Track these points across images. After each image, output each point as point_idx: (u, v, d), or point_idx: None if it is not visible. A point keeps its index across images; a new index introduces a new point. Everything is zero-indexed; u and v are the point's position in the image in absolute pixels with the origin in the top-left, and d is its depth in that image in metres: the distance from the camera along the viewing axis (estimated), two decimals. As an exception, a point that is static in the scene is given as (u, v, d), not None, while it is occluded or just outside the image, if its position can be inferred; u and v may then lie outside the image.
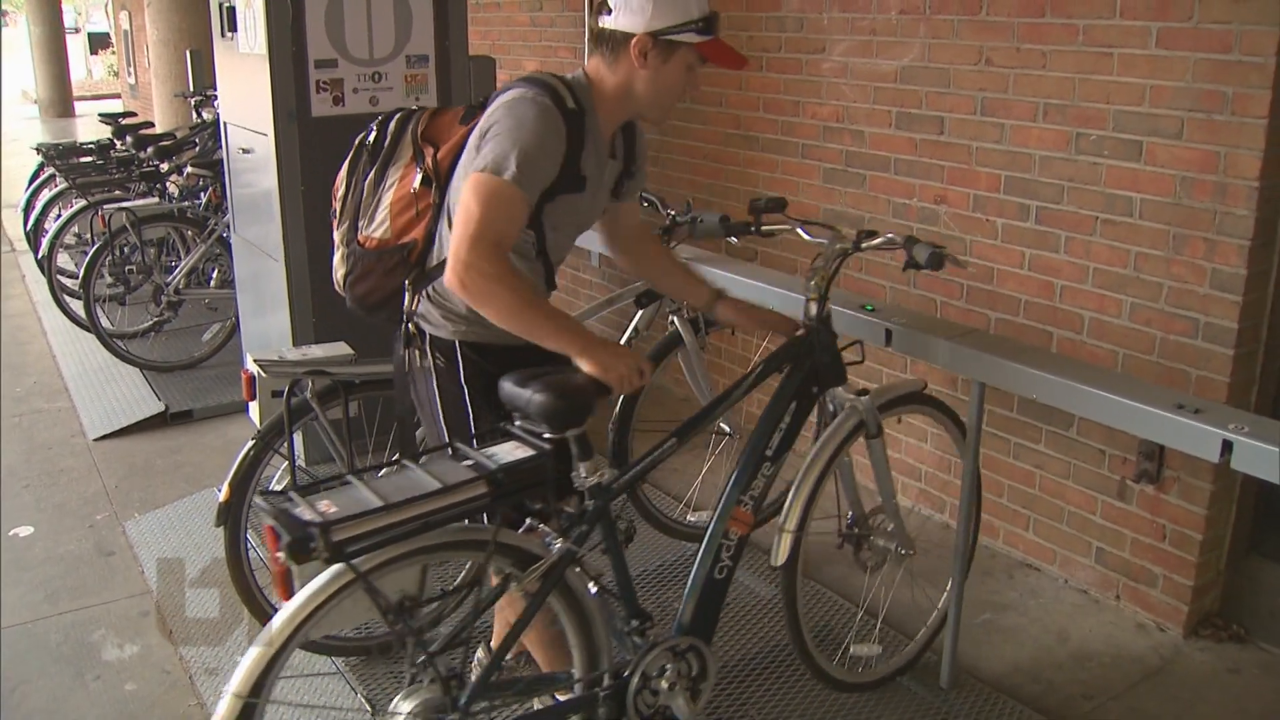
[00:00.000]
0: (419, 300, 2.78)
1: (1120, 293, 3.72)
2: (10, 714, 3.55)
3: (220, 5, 5.05)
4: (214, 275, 6.65)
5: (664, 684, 2.70)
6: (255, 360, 3.27)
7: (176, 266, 6.54)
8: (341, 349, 3.38)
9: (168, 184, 7.37)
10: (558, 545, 2.49)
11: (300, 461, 3.83)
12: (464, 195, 2.47)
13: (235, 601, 3.50)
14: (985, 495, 4.22)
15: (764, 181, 5.04)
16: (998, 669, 3.65)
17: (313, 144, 4.58)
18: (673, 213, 3.96)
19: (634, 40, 2.57)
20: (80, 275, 6.38)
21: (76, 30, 36.42)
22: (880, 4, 4.37)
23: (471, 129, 2.63)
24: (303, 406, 3.23)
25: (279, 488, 3.27)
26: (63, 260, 7.45)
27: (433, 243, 2.74)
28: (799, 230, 3.14)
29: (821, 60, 4.67)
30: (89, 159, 8.13)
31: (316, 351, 3.38)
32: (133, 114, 10.28)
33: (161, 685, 3.63)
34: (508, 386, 2.50)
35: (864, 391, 3.13)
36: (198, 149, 7.58)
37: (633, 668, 2.65)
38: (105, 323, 6.38)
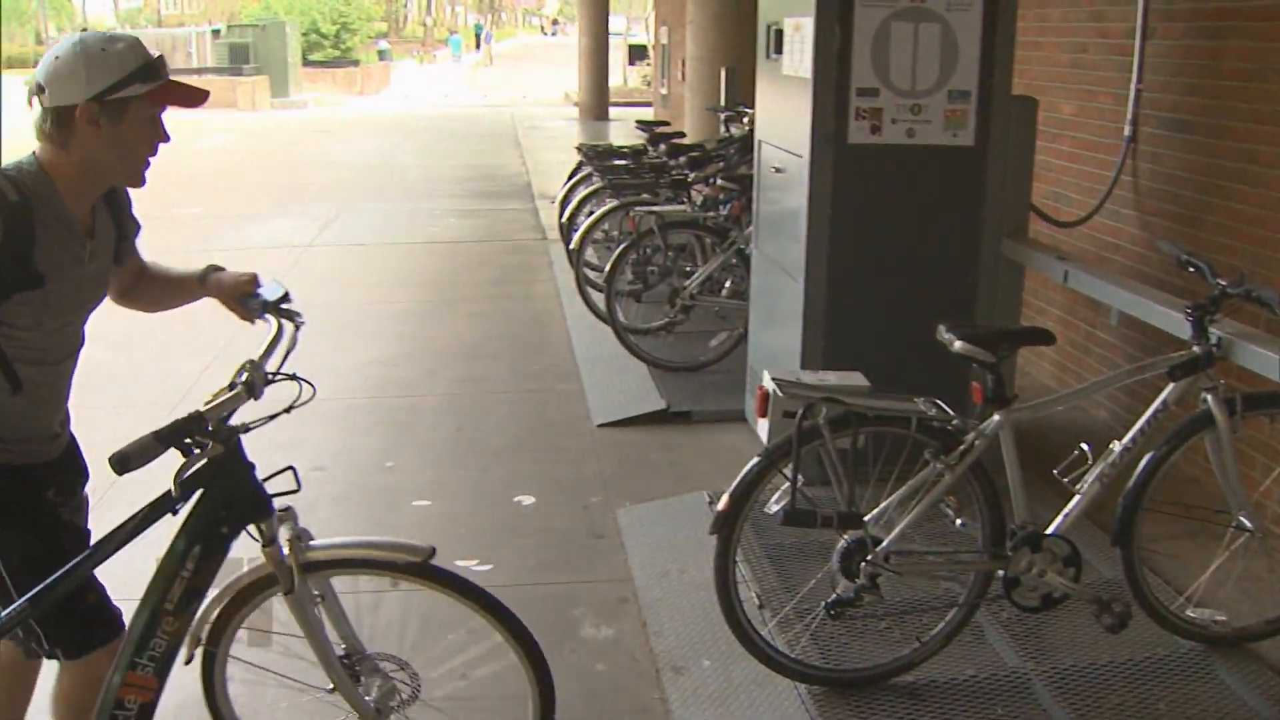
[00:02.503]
0: None
1: None
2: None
3: (768, 27, 5.19)
4: (727, 285, 6.85)
5: None
6: (773, 379, 3.30)
7: (693, 272, 6.81)
8: (857, 379, 3.37)
9: (692, 192, 7.69)
10: None
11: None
12: None
13: (713, 609, 3.56)
14: None
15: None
16: None
17: (846, 170, 4.61)
18: (1222, 283, 3.63)
19: (78, 111, 2.39)
20: (606, 270, 6.79)
21: (620, 35, 39.01)
22: None
23: None
24: (812, 431, 3.23)
25: (776, 508, 3.30)
26: (589, 254, 7.94)
27: None
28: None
29: None
30: (623, 162, 8.60)
31: (832, 378, 3.39)
32: (666, 123, 10.81)
33: (630, 672, 3.77)
34: None
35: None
36: (723, 163, 7.86)
37: None
38: (621, 317, 6.71)
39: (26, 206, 2.41)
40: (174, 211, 13.25)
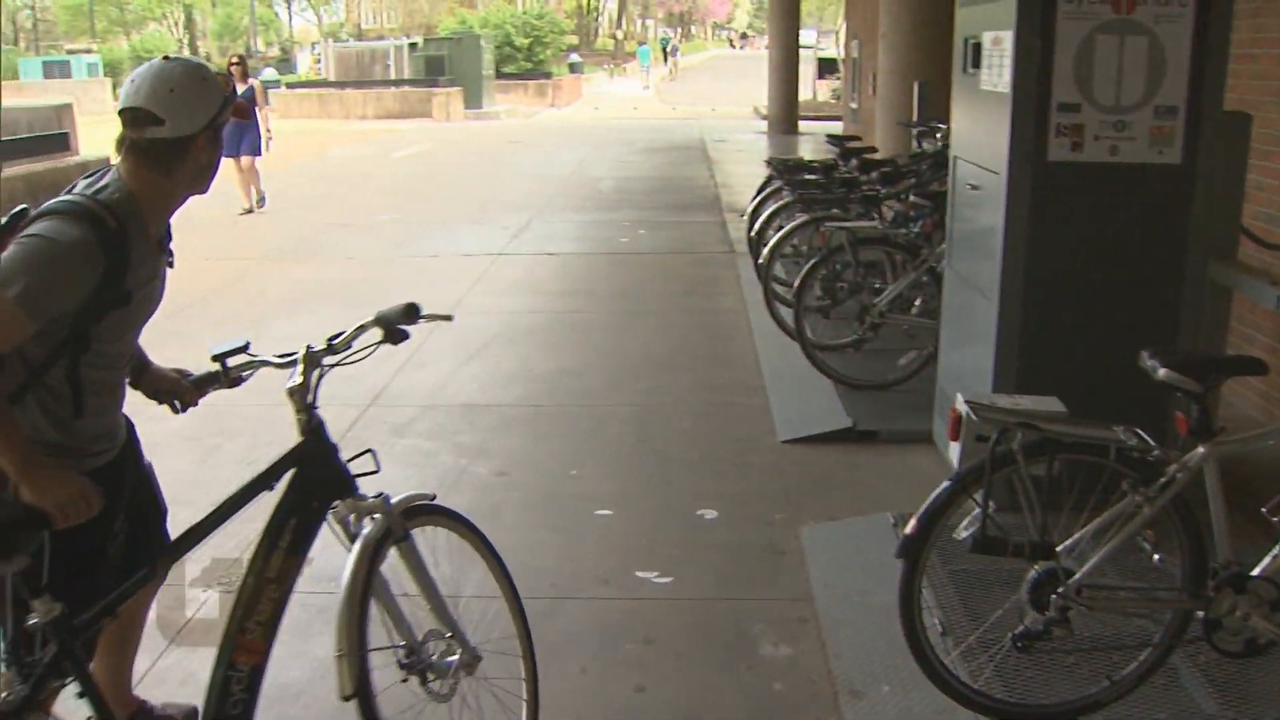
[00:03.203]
0: None
1: None
2: (665, 679, 3.84)
3: (965, 41, 5.09)
4: (917, 303, 6.74)
5: None
6: (967, 402, 3.24)
7: (883, 288, 6.72)
8: (1054, 404, 3.27)
9: (883, 208, 7.61)
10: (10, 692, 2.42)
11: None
12: None
13: (895, 633, 3.51)
14: None
15: None
16: None
17: (1044, 188, 4.48)
18: None
19: (199, 139, 2.64)
20: (795, 285, 6.74)
21: (810, 48, 38.87)
22: None
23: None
24: (1006, 456, 3.16)
25: (965, 534, 3.23)
26: (778, 268, 7.93)
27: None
28: (269, 362, 2.97)
29: None
30: (813, 176, 8.54)
31: (1027, 403, 3.30)
32: (857, 138, 10.70)
33: (806, 694, 3.74)
34: None
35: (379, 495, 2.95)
36: (915, 179, 7.75)
37: None
38: (809, 332, 6.66)
39: (123, 232, 2.59)
40: (371, 218, 13.75)
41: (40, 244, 2.49)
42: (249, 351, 3.00)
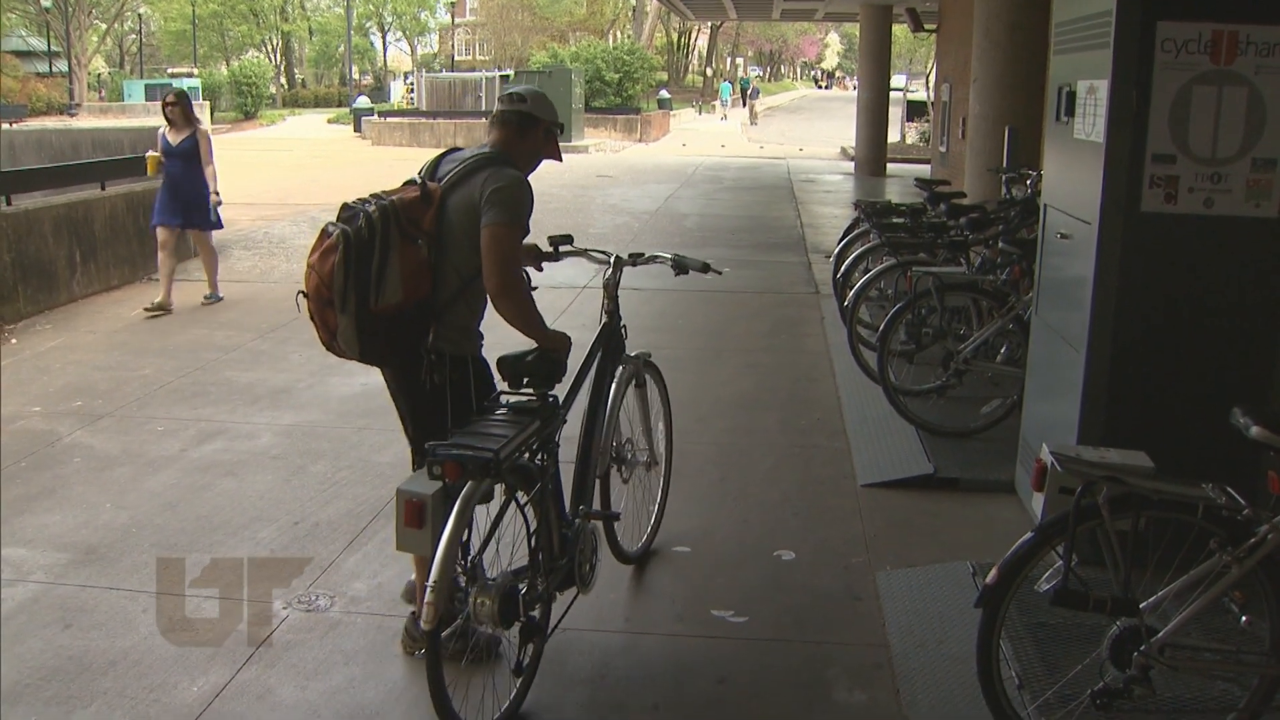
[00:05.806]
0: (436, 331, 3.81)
1: None
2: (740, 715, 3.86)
3: (1060, 89, 5.07)
4: (1003, 351, 6.68)
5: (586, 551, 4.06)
6: (1053, 453, 3.22)
7: (969, 335, 6.67)
8: (1141, 459, 3.23)
9: (970, 254, 7.56)
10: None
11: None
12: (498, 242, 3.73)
13: (970, 683, 3.48)
14: None
15: None
16: None
17: (1137, 239, 4.45)
18: None
19: (542, 125, 4.00)
20: (880, 329, 6.71)
21: (900, 90, 38.76)
22: None
23: (443, 199, 3.78)
24: (1090, 510, 3.13)
25: (1046, 586, 3.21)
26: (863, 311, 7.89)
27: (438, 290, 3.78)
28: (588, 255, 4.67)
29: None
30: (901, 220, 8.50)
31: (1114, 456, 3.26)
32: (946, 183, 10.63)
33: (881, 742, 3.71)
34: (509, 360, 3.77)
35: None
36: (1004, 225, 7.70)
37: (574, 539, 4.00)
38: (893, 377, 6.60)
39: None
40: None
41: (511, 190, 3.76)
42: (573, 243, 4.60)
